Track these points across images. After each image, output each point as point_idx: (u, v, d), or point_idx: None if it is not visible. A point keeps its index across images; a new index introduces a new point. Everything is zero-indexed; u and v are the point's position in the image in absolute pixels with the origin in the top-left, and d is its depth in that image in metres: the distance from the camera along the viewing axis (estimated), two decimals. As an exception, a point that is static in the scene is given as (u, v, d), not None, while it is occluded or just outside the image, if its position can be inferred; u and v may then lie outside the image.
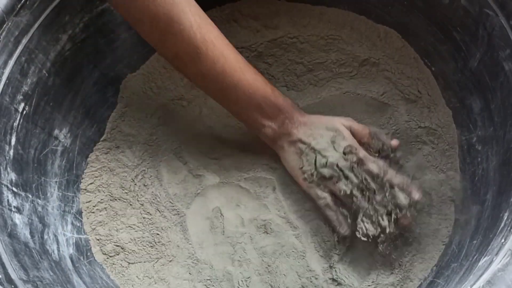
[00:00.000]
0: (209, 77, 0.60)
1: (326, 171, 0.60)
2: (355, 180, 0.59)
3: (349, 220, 0.60)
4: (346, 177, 0.59)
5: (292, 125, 0.62)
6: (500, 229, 0.48)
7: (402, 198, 0.57)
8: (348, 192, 0.58)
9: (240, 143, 0.69)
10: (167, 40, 0.58)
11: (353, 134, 0.62)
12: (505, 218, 0.48)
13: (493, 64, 0.55)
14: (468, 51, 0.59)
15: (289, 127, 0.62)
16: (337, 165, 0.59)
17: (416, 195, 0.58)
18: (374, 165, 0.59)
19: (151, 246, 0.64)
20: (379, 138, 0.62)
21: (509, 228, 0.46)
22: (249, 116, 0.62)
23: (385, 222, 0.57)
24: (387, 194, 0.57)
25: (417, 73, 0.66)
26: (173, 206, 0.66)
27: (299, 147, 0.62)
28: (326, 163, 0.60)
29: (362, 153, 0.60)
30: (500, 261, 0.42)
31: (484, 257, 0.47)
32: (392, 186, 0.57)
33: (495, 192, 0.54)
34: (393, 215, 0.57)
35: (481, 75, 0.58)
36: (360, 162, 0.59)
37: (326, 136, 0.61)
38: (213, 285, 0.61)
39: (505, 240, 0.45)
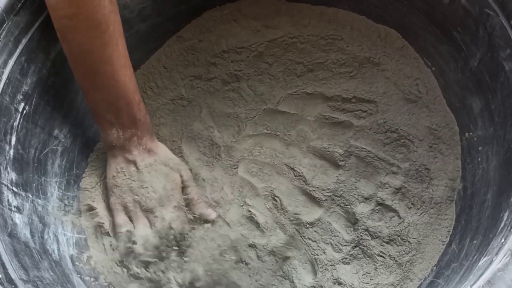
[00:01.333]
0: (92, 56, 0.56)
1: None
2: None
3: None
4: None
5: (136, 145, 0.62)
6: (500, 229, 0.48)
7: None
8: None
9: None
10: None
11: (183, 186, 0.64)
12: (505, 218, 0.48)
13: (493, 64, 0.55)
14: (469, 51, 0.59)
15: (133, 145, 0.62)
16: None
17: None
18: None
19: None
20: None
21: (509, 228, 0.46)
22: (104, 112, 0.60)
23: None
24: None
25: (417, 73, 0.66)
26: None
27: (129, 169, 0.62)
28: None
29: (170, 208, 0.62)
30: (500, 261, 0.42)
31: (484, 257, 0.47)
32: None
33: (495, 192, 0.54)
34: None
35: (481, 75, 0.58)
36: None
37: (157, 173, 0.62)
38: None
39: (505, 240, 0.45)
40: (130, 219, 0.62)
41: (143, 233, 0.60)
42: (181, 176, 0.64)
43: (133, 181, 0.62)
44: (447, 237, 0.60)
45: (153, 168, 0.62)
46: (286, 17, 0.71)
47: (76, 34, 0.55)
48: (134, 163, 0.62)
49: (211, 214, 0.64)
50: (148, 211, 0.61)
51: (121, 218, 0.62)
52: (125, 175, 0.62)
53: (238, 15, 0.72)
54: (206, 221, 0.63)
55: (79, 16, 0.54)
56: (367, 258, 0.61)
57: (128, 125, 0.61)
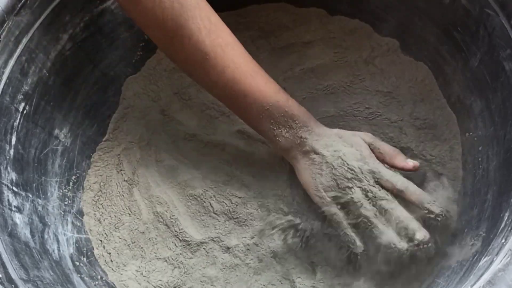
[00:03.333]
0: (218, 84, 0.58)
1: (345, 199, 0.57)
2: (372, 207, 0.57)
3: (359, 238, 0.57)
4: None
5: (306, 135, 0.59)
6: (500, 229, 0.48)
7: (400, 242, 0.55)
8: (368, 214, 0.56)
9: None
10: (175, 46, 0.57)
11: (374, 151, 0.59)
12: (506, 218, 0.48)
13: (493, 64, 0.55)
14: (469, 51, 0.59)
15: (303, 136, 0.59)
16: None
17: (420, 234, 0.55)
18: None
19: (153, 245, 0.64)
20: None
21: (509, 228, 0.46)
22: (261, 124, 0.60)
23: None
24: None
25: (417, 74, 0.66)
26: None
27: (313, 158, 0.59)
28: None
29: (381, 169, 0.57)
30: (501, 261, 0.42)
31: (484, 257, 0.47)
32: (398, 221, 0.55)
33: (495, 192, 0.54)
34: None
35: (481, 75, 0.58)
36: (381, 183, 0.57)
37: (343, 149, 0.58)
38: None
39: (505, 240, 0.45)
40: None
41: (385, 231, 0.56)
42: (364, 141, 0.60)
43: (324, 167, 0.58)
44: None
45: (333, 145, 0.59)
46: (288, 23, 0.71)
47: (195, 74, 0.60)
48: (314, 151, 0.59)
49: (413, 162, 0.59)
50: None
51: (337, 211, 0.58)
52: (313, 167, 0.59)
53: (239, 21, 0.72)
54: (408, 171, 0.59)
55: (189, 59, 0.58)
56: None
57: (287, 124, 0.59)
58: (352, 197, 0.57)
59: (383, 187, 0.57)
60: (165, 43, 0.58)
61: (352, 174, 0.57)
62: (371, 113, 0.66)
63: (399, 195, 0.57)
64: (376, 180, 0.57)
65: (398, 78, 0.67)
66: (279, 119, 0.59)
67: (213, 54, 0.57)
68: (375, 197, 0.57)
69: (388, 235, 0.55)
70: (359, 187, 0.57)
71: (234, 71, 0.57)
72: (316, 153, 0.59)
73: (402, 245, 0.55)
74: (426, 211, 0.56)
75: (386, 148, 0.60)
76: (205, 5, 0.58)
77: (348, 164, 0.57)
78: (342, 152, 0.58)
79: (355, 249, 0.57)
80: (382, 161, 0.59)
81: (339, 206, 0.58)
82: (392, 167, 0.59)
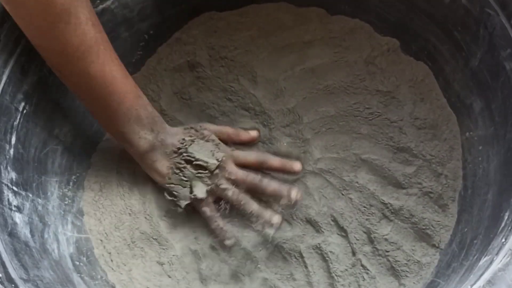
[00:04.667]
0: (96, 79, 0.56)
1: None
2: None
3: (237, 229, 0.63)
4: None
5: (165, 136, 0.63)
6: (500, 228, 0.48)
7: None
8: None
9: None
10: (57, 32, 0.52)
11: (221, 137, 0.66)
12: (506, 218, 0.48)
13: (494, 64, 0.55)
14: (469, 51, 0.59)
15: (164, 138, 0.62)
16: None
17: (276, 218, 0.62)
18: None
19: (153, 246, 0.64)
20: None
21: (509, 228, 0.46)
22: (125, 126, 0.60)
23: None
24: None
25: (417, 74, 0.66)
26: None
27: (175, 159, 0.63)
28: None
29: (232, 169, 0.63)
30: (501, 260, 0.42)
31: (484, 257, 0.47)
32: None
33: (495, 192, 0.54)
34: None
35: (481, 75, 0.58)
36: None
37: (200, 144, 0.63)
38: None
39: (505, 240, 0.45)
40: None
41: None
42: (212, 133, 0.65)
43: (186, 165, 0.62)
44: (448, 236, 0.60)
45: (191, 141, 0.63)
46: (287, 22, 0.71)
47: (72, 66, 0.56)
48: (176, 151, 0.63)
49: (254, 133, 0.68)
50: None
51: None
52: (177, 168, 0.63)
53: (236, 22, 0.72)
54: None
55: (68, 49, 0.54)
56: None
57: (150, 126, 0.62)
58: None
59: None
60: (43, 28, 0.53)
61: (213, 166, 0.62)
62: (371, 113, 0.66)
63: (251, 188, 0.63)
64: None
65: (398, 78, 0.67)
66: (144, 121, 0.61)
67: (96, 48, 0.55)
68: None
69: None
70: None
71: (112, 67, 0.57)
72: (179, 152, 0.63)
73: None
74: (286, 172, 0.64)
75: (230, 130, 0.67)
76: (89, 3, 0.55)
77: (210, 157, 0.62)
78: (201, 146, 0.63)
79: (228, 243, 0.62)
80: (232, 141, 0.66)
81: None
82: (241, 143, 0.67)
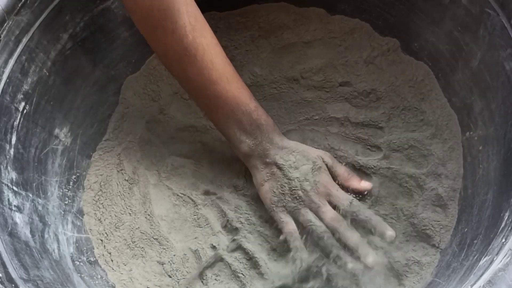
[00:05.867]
0: (193, 82, 0.59)
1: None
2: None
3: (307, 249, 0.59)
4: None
5: (269, 146, 0.61)
6: (501, 229, 0.48)
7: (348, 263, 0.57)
8: (317, 229, 0.58)
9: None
10: (158, 36, 0.57)
11: (330, 171, 0.62)
12: (506, 218, 0.48)
13: (494, 64, 0.55)
14: (469, 51, 0.59)
15: (266, 147, 0.61)
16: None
17: (370, 258, 0.57)
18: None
19: (154, 246, 0.64)
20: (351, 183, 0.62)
21: (509, 228, 0.46)
22: (227, 127, 0.61)
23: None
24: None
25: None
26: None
27: (273, 171, 0.61)
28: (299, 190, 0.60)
29: (334, 191, 0.60)
30: (501, 260, 0.42)
31: (484, 257, 0.47)
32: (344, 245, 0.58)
33: (495, 192, 0.54)
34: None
35: (482, 75, 0.57)
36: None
37: (302, 166, 0.60)
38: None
39: (505, 240, 0.45)
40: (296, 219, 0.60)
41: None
42: (323, 160, 0.62)
43: (283, 181, 0.60)
44: (448, 236, 0.60)
45: (294, 161, 0.61)
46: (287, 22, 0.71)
47: (173, 67, 0.60)
48: (275, 164, 0.61)
49: (367, 185, 0.62)
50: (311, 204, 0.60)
51: (286, 217, 0.61)
52: (273, 179, 0.61)
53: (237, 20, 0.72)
54: (360, 193, 0.62)
55: (169, 52, 0.58)
56: None
57: (253, 133, 0.61)
58: (300, 211, 0.60)
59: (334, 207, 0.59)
60: (147, 31, 0.58)
61: (304, 193, 0.60)
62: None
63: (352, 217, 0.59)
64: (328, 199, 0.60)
65: (398, 78, 0.67)
66: (246, 127, 0.60)
67: (193, 52, 0.57)
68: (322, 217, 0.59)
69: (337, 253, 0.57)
70: (308, 206, 0.60)
71: (210, 72, 0.58)
72: (278, 166, 0.61)
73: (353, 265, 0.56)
74: (378, 235, 0.58)
75: (341, 170, 0.62)
76: (192, 2, 0.58)
77: (304, 182, 0.60)
78: (302, 169, 0.60)
79: (299, 255, 0.58)
80: (337, 182, 0.62)
81: (289, 215, 0.60)
82: (347, 188, 0.62)
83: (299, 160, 0.61)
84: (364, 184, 0.62)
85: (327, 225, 0.59)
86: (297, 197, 0.60)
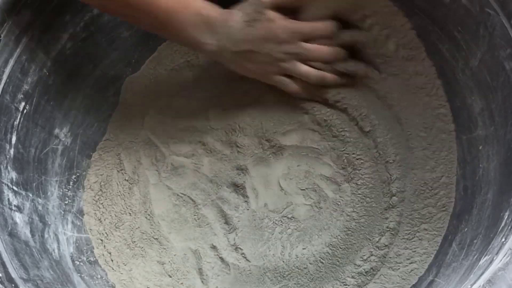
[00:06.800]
0: None
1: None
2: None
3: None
4: None
5: (230, 33, 0.59)
6: (500, 228, 0.48)
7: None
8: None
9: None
10: None
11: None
12: (506, 217, 0.48)
13: (494, 64, 0.55)
14: (469, 51, 0.59)
15: (227, 38, 0.59)
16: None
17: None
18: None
19: (154, 245, 0.64)
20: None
21: (509, 227, 0.46)
22: (186, 36, 0.59)
23: None
24: None
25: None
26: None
27: (246, 53, 0.60)
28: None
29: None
30: (501, 260, 0.42)
31: (484, 257, 0.47)
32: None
33: (495, 192, 0.54)
34: None
35: (482, 75, 0.57)
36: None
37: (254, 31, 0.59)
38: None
39: (505, 239, 0.45)
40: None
41: None
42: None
43: (258, 55, 0.60)
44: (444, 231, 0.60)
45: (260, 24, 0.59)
46: None
47: None
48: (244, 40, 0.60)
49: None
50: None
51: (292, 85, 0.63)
52: (248, 60, 0.61)
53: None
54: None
55: None
56: None
57: (210, 29, 0.59)
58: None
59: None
60: None
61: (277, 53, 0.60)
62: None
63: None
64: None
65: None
66: (201, 27, 0.59)
67: None
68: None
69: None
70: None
71: None
72: (248, 50, 0.60)
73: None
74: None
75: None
76: None
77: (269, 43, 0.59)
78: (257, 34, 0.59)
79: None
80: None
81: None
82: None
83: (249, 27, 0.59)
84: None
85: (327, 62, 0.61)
86: (277, 59, 0.60)
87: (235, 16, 0.59)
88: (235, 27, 0.59)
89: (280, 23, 0.59)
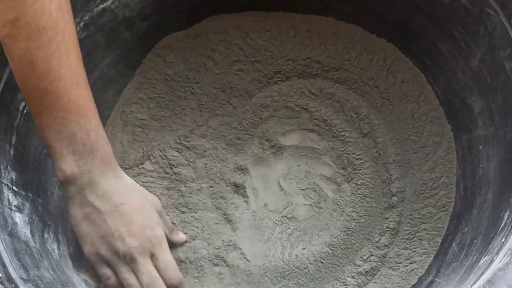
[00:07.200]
0: (35, 68, 0.48)
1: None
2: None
3: None
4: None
5: (97, 181, 0.53)
6: (500, 228, 0.48)
7: None
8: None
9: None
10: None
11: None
12: (506, 217, 0.48)
13: (494, 64, 0.55)
14: (469, 51, 0.59)
15: (93, 181, 0.52)
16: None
17: None
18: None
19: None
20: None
21: (509, 227, 0.46)
22: (54, 139, 0.51)
23: None
24: None
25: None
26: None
27: (92, 213, 0.53)
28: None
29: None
30: (501, 260, 0.42)
31: (484, 257, 0.47)
32: None
33: (495, 192, 0.54)
34: None
35: (481, 75, 0.58)
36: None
37: (130, 218, 0.54)
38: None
39: (505, 239, 0.45)
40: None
41: None
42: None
43: (102, 228, 0.54)
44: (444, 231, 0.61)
45: (119, 209, 0.54)
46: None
47: (17, 44, 0.47)
48: (93, 207, 0.53)
49: (183, 236, 0.62)
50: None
51: (104, 269, 0.56)
52: (91, 222, 0.54)
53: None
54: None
55: (19, 21, 0.46)
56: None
57: (83, 156, 0.52)
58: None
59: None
60: None
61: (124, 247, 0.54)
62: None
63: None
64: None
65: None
66: (78, 146, 0.52)
67: (51, 33, 0.47)
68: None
69: None
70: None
71: (61, 64, 0.49)
72: (98, 210, 0.53)
73: None
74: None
75: (167, 224, 0.60)
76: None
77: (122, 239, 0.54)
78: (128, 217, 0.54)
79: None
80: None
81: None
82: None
83: (129, 206, 0.54)
84: (182, 236, 0.62)
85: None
86: (116, 251, 0.54)
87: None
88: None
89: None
